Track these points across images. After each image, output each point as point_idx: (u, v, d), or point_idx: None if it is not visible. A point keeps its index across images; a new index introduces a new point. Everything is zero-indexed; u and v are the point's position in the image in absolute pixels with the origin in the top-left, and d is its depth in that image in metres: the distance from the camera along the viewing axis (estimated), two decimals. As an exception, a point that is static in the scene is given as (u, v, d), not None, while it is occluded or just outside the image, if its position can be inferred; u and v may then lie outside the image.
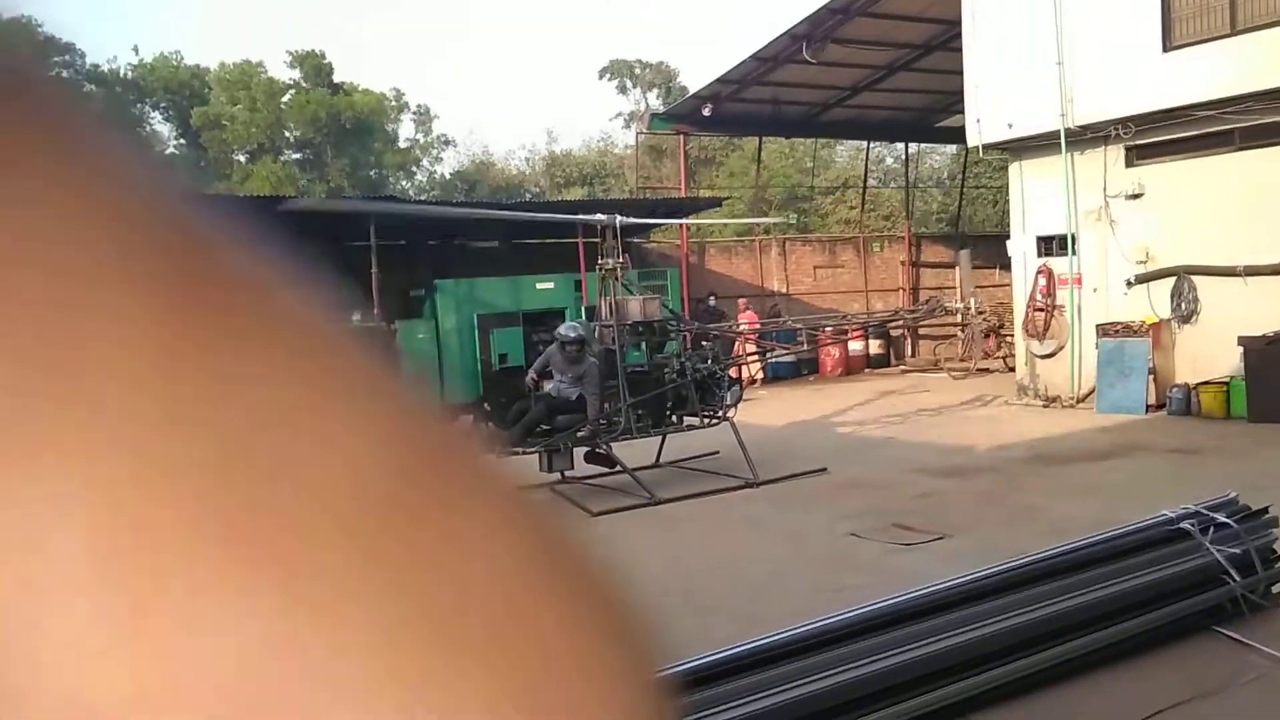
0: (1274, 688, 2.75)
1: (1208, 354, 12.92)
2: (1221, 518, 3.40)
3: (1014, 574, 3.12)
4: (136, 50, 45.72)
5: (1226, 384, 12.49)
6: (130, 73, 38.20)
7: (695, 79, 38.84)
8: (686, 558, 7.62)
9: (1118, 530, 3.39)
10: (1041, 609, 2.87)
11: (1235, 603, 3.14)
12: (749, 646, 2.60)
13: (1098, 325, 13.95)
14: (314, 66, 37.87)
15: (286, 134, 38.11)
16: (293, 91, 37.90)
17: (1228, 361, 12.49)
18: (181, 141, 39.95)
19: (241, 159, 37.70)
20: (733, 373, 11.34)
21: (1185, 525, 3.42)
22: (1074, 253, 14.36)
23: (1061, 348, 14.65)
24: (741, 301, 20.80)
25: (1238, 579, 3.12)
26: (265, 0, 70.40)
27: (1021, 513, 8.34)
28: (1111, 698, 3.05)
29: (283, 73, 38.47)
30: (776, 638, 2.71)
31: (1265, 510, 3.36)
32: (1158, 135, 13.32)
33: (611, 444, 9.85)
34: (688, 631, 5.69)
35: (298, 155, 39.01)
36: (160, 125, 40.25)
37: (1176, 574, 3.29)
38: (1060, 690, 2.79)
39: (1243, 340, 12.07)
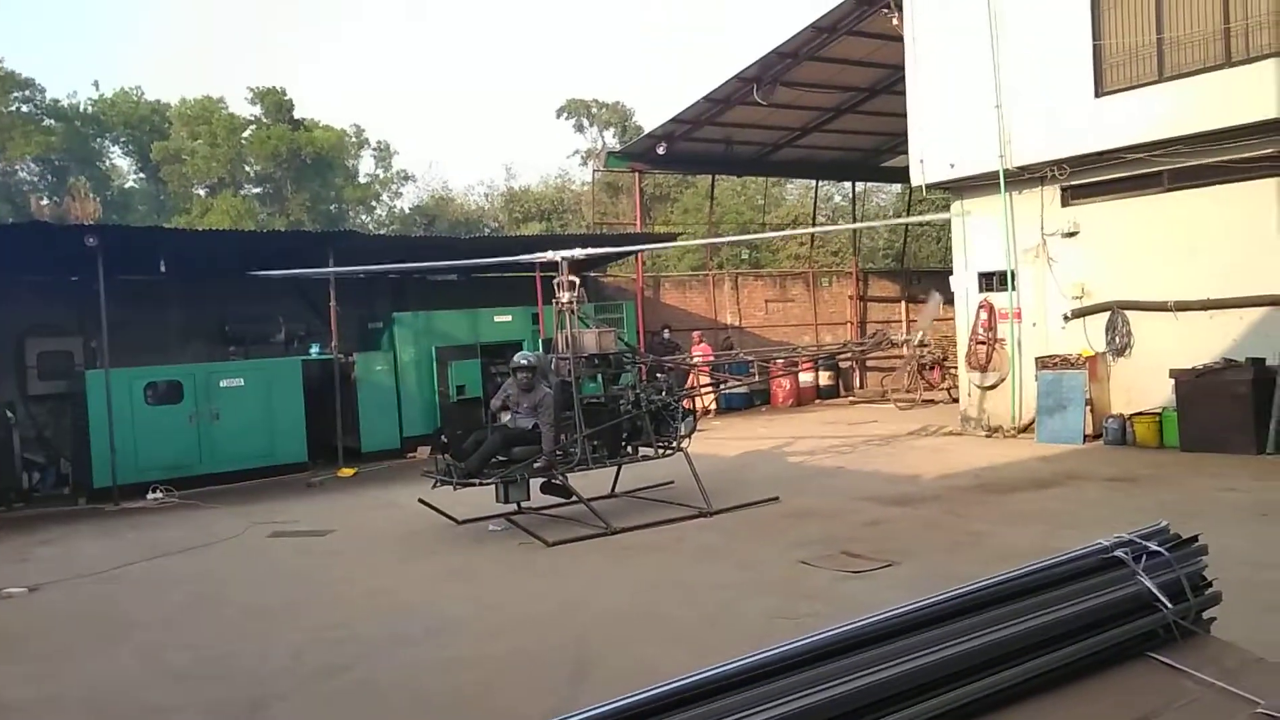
0: (1206, 712, 2.84)
1: (1141, 386, 13.40)
2: (1153, 546, 3.42)
3: (953, 603, 3.15)
4: (97, 85, 45.19)
5: (1159, 415, 12.95)
6: (91, 107, 37.89)
7: (650, 119, 39.37)
8: (642, 587, 7.73)
9: (1054, 559, 3.49)
10: (980, 637, 2.88)
11: (1168, 629, 3.19)
12: (698, 677, 2.66)
13: (1037, 358, 14.40)
14: (275, 103, 37.87)
15: (247, 169, 37.97)
16: (253, 127, 37.85)
17: (1160, 393, 12.96)
18: (141, 175, 39.64)
19: (201, 193, 37.46)
20: (686, 404, 11.51)
21: (1119, 553, 3.49)
22: (1014, 288, 14.83)
23: (1003, 379, 15.08)
24: (696, 334, 21.16)
25: (1170, 606, 3.19)
26: (227, 37, 70.17)
27: (967, 540, 8.56)
28: (1050, 725, 3.40)
29: (244, 108, 38.48)
30: (717, 671, 2.77)
31: (1195, 538, 3.48)
32: (1091, 176, 13.86)
33: (567, 474, 9.93)
34: (645, 660, 5.86)
35: (258, 190, 38.86)
36: (120, 159, 39.97)
37: (1111, 601, 3.30)
38: (999, 718, 2.83)
39: (1174, 373, 12.54)
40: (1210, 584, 3.33)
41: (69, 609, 8.01)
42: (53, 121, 36.40)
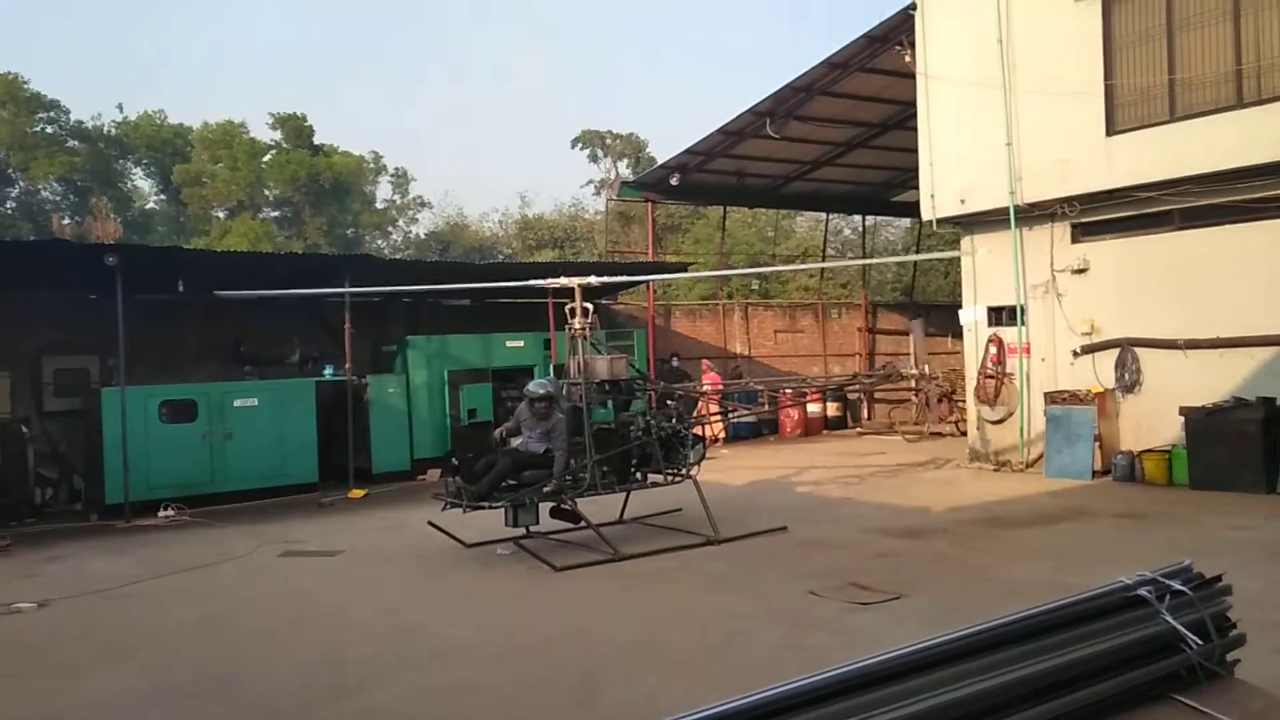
0: None
1: (1150, 423, 13.39)
2: (1177, 585, 3.35)
3: (970, 640, 3.04)
4: (121, 108, 46.02)
5: (1169, 452, 12.93)
6: (114, 130, 38.47)
7: (664, 150, 39.70)
8: (649, 614, 7.74)
9: (1075, 596, 3.37)
10: (998, 676, 2.76)
11: (1192, 670, 3.07)
12: (706, 713, 2.59)
13: (1045, 393, 14.40)
14: (295, 128, 38.40)
15: (266, 192, 38.43)
16: (273, 151, 38.35)
17: (1169, 430, 12.94)
18: (162, 197, 40.11)
19: (221, 215, 37.90)
20: (697, 431, 11.54)
21: (1142, 592, 3.38)
22: (1023, 323, 14.88)
23: (1011, 413, 15.08)
24: (705, 363, 21.22)
25: (1195, 646, 3.08)
26: (249, 63, 71.19)
27: (975, 573, 8.55)
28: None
29: (264, 133, 39.06)
30: (720, 709, 2.67)
31: (1219, 578, 3.38)
32: (1102, 214, 13.93)
33: (576, 500, 9.96)
34: (650, 689, 5.90)
35: (276, 213, 39.28)
36: (141, 181, 40.49)
37: (1134, 641, 3.18)
38: None
39: (1184, 410, 12.55)
40: (1234, 625, 3.26)
41: (77, 625, 8.05)
42: (76, 143, 36.95)
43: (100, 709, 5.98)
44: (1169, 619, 3.13)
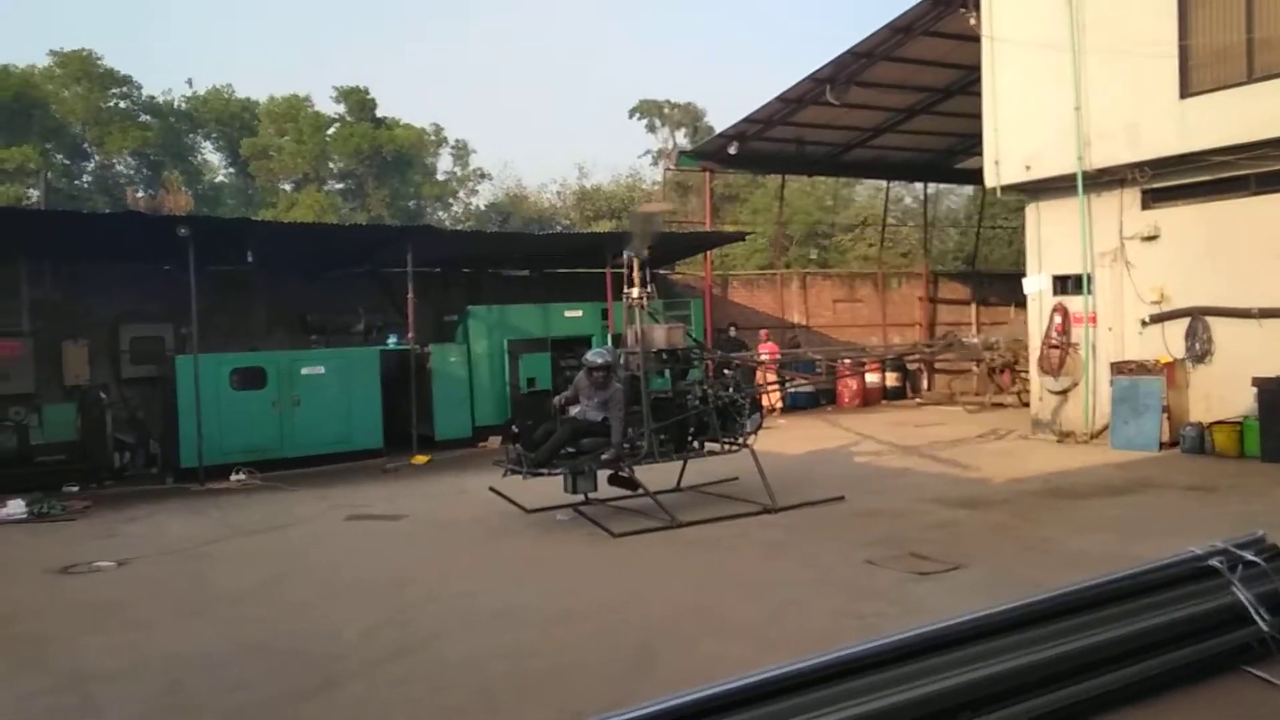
0: None
1: (1221, 394, 13.06)
2: (1250, 556, 3.29)
3: (1039, 607, 3.01)
4: (190, 83, 47.04)
5: (1240, 424, 12.61)
6: (184, 104, 39.39)
7: (722, 119, 39.31)
8: (706, 581, 7.78)
9: (1145, 565, 3.30)
10: (1067, 644, 2.76)
11: (1263, 643, 3.01)
12: (762, 676, 2.61)
13: (1112, 363, 14.12)
14: (358, 101, 38.91)
15: (330, 165, 39.02)
16: (337, 125, 38.93)
17: (1241, 401, 12.62)
18: (231, 170, 41.00)
19: (287, 188, 38.61)
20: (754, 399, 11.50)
21: (1213, 563, 3.31)
22: (1089, 292, 14.56)
23: (1076, 384, 14.80)
24: (763, 332, 21.14)
25: (1267, 618, 3.01)
26: (313, 38, 72.05)
27: (1036, 545, 8.44)
28: (1140, 736, 3.02)
29: (328, 107, 39.68)
30: (791, 669, 2.70)
31: None
32: (1174, 179, 13.52)
33: (634, 467, 10.06)
34: (709, 654, 5.93)
35: (340, 185, 39.90)
36: (211, 155, 41.41)
37: (1204, 611, 3.12)
38: None
39: (1257, 381, 12.21)
40: None
41: (153, 584, 8.35)
42: (149, 118, 37.89)
43: (175, 664, 6.17)
44: (1240, 590, 3.07)
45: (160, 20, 65.11)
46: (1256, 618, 3.08)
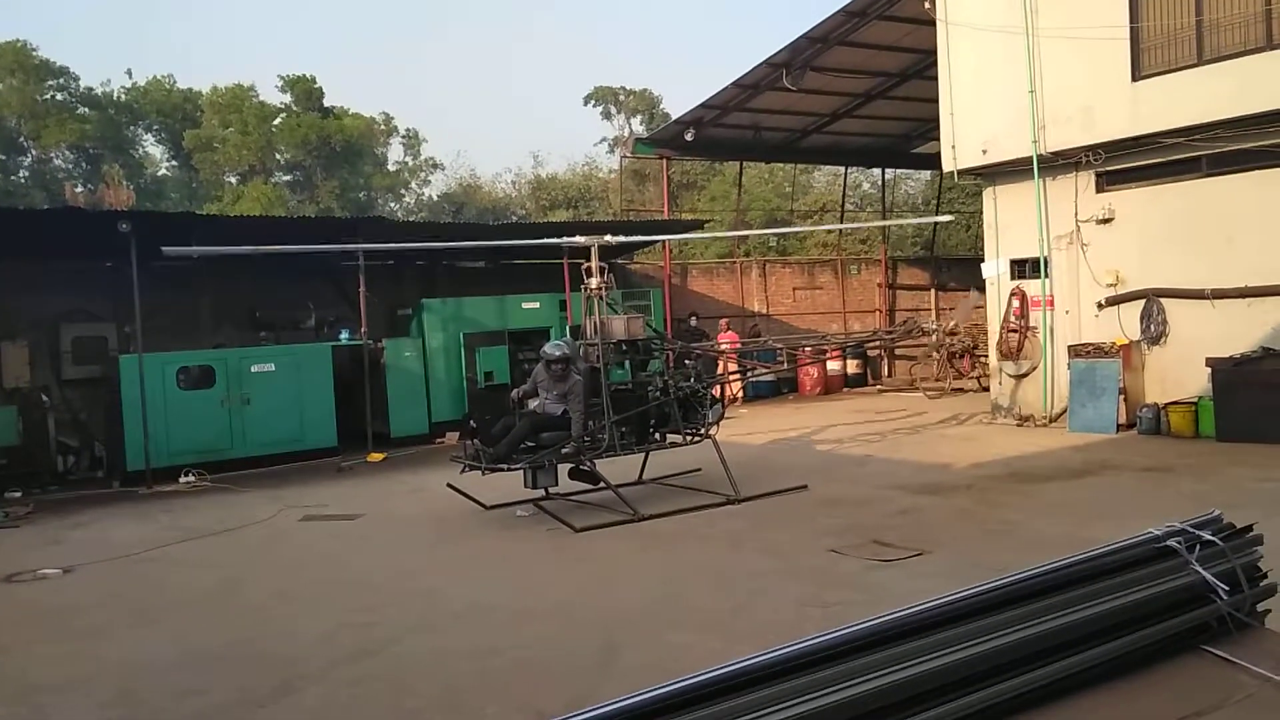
0: (1264, 706, 2.72)
1: (1176, 375, 13.21)
2: (1207, 535, 3.31)
3: (996, 594, 2.98)
4: (130, 74, 45.84)
5: (1195, 404, 12.75)
6: (124, 96, 38.32)
7: (678, 106, 39.20)
8: (670, 574, 7.70)
9: (1103, 548, 3.31)
10: (1025, 629, 2.78)
11: (1222, 621, 3.02)
12: (724, 670, 2.51)
13: (1070, 346, 14.22)
14: (305, 90, 38.12)
15: (277, 156, 38.27)
16: (283, 115, 38.12)
17: (1196, 382, 12.76)
18: (174, 163, 40.05)
19: (233, 180, 37.81)
20: (714, 391, 11.45)
21: (1171, 543, 3.33)
22: (1046, 275, 14.65)
23: (1035, 368, 14.91)
24: (723, 321, 21.09)
25: (1225, 597, 3.05)
26: (257, 26, 70.66)
27: (999, 529, 8.46)
28: (1100, 720, 3.34)
29: (274, 96, 38.77)
30: (747, 663, 2.60)
31: (1250, 528, 3.32)
32: (1128, 161, 13.63)
33: (595, 461, 9.94)
34: (673, 647, 5.84)
35: (288, 177, 39.16)
36: (153, 147, 40.40)
37: (1163, 592, 3.16)
38: (1045, 713, 2.75)
39: (1211, 361, 12.34)
40: (1265, 575, 3.20)
41: (102, 591, 8.10)
42: (86, 110, 36.85)
43: (127, 673, 5.99)
44: (1199, 569, 3.08)
45: (97, 8, 63.48)
46: (1215, 596, 3.06)
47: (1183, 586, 3.08)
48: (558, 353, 9.87)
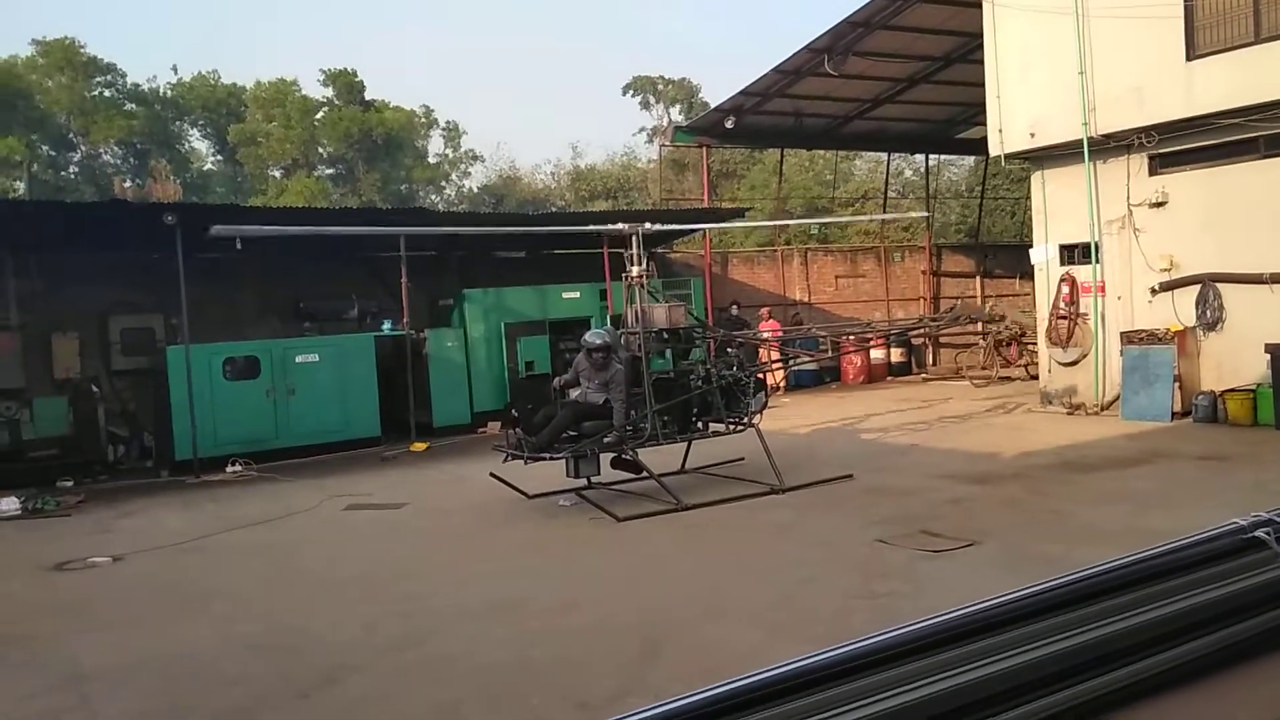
0: None
1: (1234, 361, 12.84)
2: None
3: (1071, 589, 2.86)
4: (175, 70, 46.47)
5: (1253, 391, 12.39)
6: (169, 91, 38.91)
7: (717, 94, 39.07)
8: (714, 564, 7.62)
9: (1184, 539, 3.19)
10: (1103, 627, 2.77)
11: None
12: (772, 673, 2.40)
13: (1122, 333, 13.88)
14: (346, 84, 38.44)
15: (320, 150, 38.63)
16: (326, 109, 38.47)
17: (1254, 369, 12.39)
18: (219, 158, 40.60)
19: (277, 174, 38.25)
20: (758, 378, 11.31)
21: (1260, 534, 3.20)
22: (1097, 261, 14.30)
23: (1085, 355, 14.57)
24: (764, 310, 20.90)
25: None
26: (299, 21, 71.35)
27: (1051, 519, 8.27)
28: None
29: (316, 90, 39.15)
30: (804, 663, 2.48)
31: None
32: (1181, 144, 13.23)
33: (637, 450, 9.86)
34: (716, 639, 5.78)
35: (330, 170, 39.53)
36: (198, 142, 40.99)
37: (1251, 586, 3.07)
38: (1127, 714, 2.67)
39: (1270, 347, 11.97)
40: None
41: (150, 579, 8.18)
42: (134, 106, 37.43)
43: (172, 661, 6.02)
44: None
45: (142, 5, 64.47)
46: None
47: (1273, 580, 2.95)
48: (599, 341, 9.80)
